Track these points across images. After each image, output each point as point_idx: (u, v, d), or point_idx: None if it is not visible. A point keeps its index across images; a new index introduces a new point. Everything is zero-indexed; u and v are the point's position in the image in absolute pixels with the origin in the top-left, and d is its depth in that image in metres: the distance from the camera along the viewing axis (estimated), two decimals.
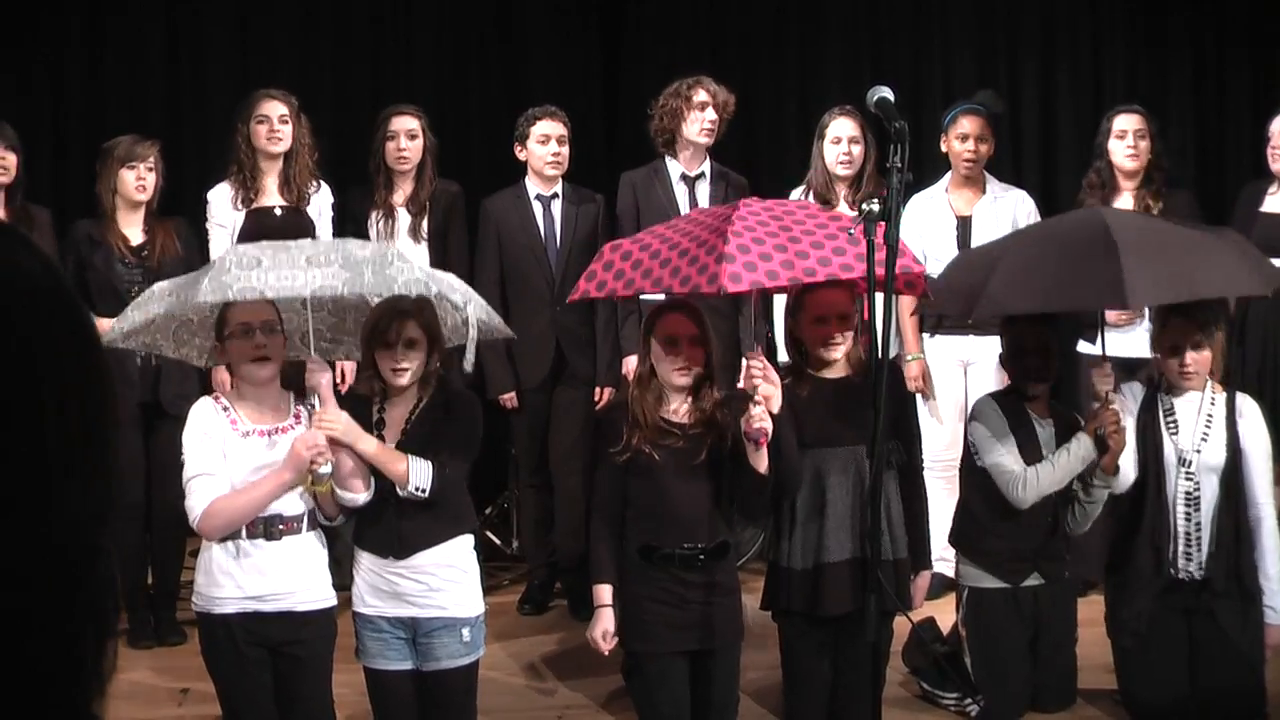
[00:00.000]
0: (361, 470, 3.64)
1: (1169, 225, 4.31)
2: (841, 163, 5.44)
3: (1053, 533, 4.31)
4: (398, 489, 3.65)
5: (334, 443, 3.57)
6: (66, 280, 0.91)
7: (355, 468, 3.62)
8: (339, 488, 3.62)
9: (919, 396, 5.52)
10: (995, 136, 5.64)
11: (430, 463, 3.65)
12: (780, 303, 5.13)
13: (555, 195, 5.49)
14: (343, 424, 3.60)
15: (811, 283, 3.73)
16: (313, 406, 3.66)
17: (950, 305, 4.34)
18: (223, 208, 5.34)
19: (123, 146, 5.08)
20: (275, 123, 5.30)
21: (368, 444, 3.63)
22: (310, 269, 3.51)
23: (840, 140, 5.46)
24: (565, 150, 5.45)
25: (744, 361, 3.84)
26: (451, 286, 3.72)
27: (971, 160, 5.52)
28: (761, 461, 3.79)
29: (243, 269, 3.48)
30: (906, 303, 5.38)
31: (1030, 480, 4.16)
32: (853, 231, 3.44)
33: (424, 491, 3.64)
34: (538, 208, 5.47)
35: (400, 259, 3.61)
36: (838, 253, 3.63)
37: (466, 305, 3.71)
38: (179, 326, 3.81)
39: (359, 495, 3.66)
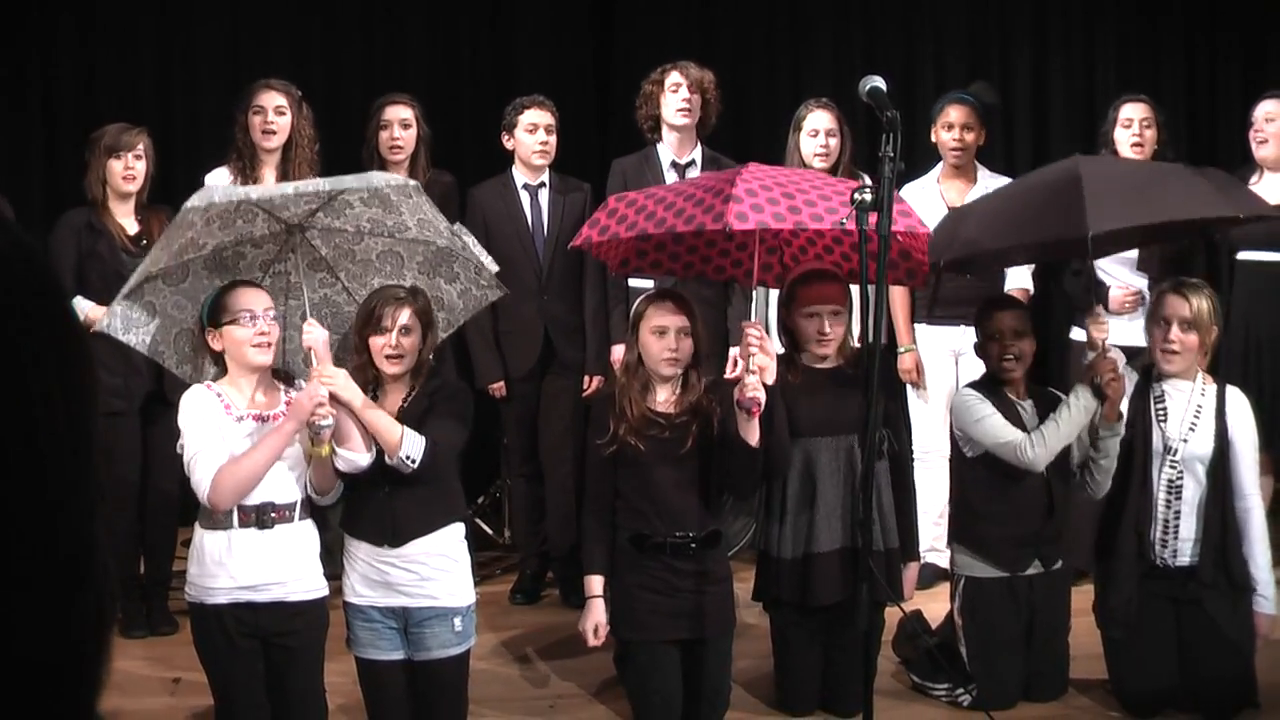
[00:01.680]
0: (362, 429, 3.63)
1: (1141, 162, 4.30)
2: (818, 155, 5.39)
3: (1049, 514, 4.31)
4: (386, 457, 3.63)
5: (333, 400, 3.57)
6: (42, 257, 0.85)
7: (356, 426, 3.61)
8: (340, 447, 3.61)
9: (910, 387, 5.52)
10: (985, 126, 5.62)
11: (423, 437, 3.65)
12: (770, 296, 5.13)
13: (542, 184, 5.47)
14: (341, 379, 3.59)
15: (816, 227, 3.86)
16: (300, 386, 3.66)
17: (931, 255, 4.33)
18: None
19: (109, 135, 5.00)
20: (270, 114, 5.23)
21: (364, 403, 3.62)
22: (295, 187, 3.73)
23: (817, 133, 5.42)
24: (553, 139, 5.43)
25: (743, 329, 3.83)
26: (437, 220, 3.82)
27: (958, 149, 5.50)
28: (753, 433, 3.78)
29: (228, 191, 3.75)
30: (899, 294, 5.40)
31: (1036, 441, 4.13)
32: (844, 222, 3.45)
33: (413, 461, 3.62)
34: (525, 197, 5.45)
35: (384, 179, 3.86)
36: (844, 205, 3.66)
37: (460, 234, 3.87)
38: (179, 333, 3.80)
39: (360, 456, 3.63)
